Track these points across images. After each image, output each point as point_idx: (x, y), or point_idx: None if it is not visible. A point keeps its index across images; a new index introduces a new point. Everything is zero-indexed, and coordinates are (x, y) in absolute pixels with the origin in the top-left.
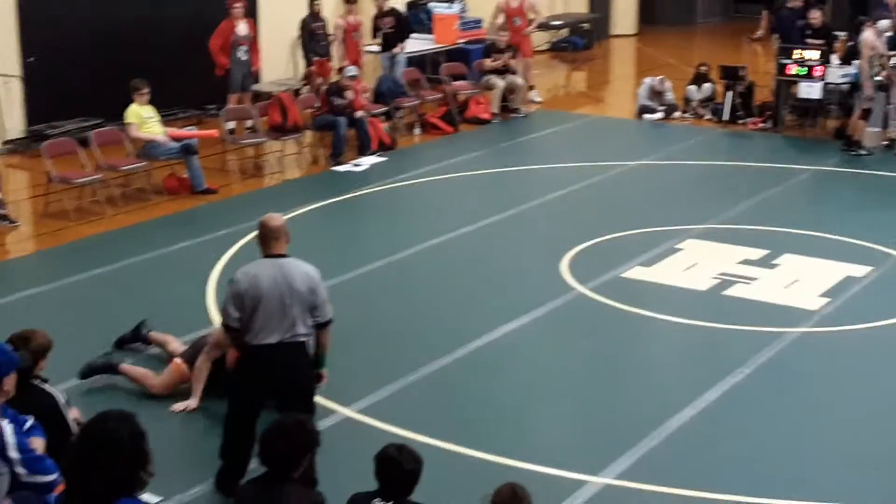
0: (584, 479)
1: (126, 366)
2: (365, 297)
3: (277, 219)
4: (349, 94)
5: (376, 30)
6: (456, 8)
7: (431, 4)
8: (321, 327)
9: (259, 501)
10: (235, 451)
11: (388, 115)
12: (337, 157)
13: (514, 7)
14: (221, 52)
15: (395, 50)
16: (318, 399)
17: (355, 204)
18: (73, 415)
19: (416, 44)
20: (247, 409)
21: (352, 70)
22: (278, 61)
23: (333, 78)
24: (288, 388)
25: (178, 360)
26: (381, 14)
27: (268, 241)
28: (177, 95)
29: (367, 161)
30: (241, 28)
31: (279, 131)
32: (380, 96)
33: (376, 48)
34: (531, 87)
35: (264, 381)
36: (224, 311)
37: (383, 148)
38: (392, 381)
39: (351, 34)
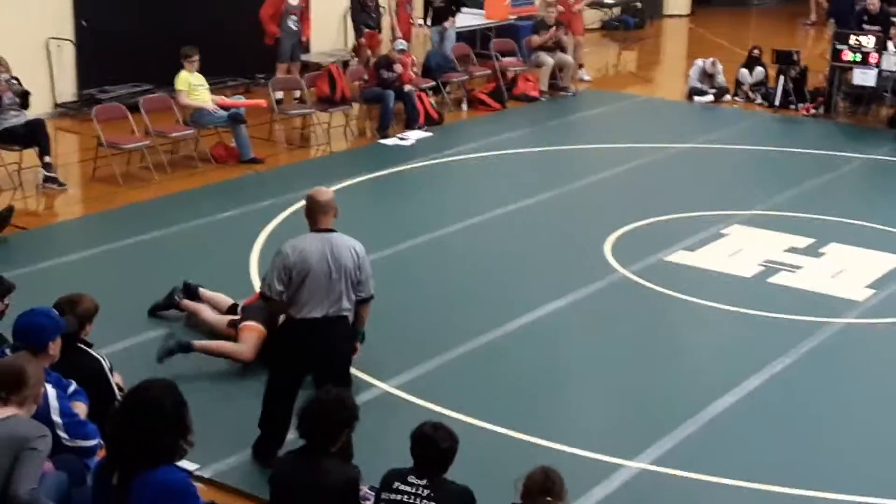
0: (619, 463)
1: (200, 343)
2: (406, 272)
3: (326, 193)
4: (398, 68)
5: (428, 3)
6: None
7: None
8: (363, 303)
9: (297, 474)
10: (274, 422)
11: (436, 90)
12: (384, 131)
13: None
14: (272, 20)
15: (446, 24)
16: (357, 373)
17: (400, 178)
18: (116, 380)
19: (467, 19)
20: (287, 381)
21: (401, 44)
22: (328, 32)
23: (384, 50)
24: (329, 362)
25: (252, 324)
26: None
27: (315, 216)
28: (227, 63)
29: (413, 135)
30: None
31: (327, 103)
32: (428, 70)
33: (427, 21)
34: (581, 66)
35: (307, 353)
36: (268, 283)
37: (430, 122)
38: (430, 358)
39: (403, 6)
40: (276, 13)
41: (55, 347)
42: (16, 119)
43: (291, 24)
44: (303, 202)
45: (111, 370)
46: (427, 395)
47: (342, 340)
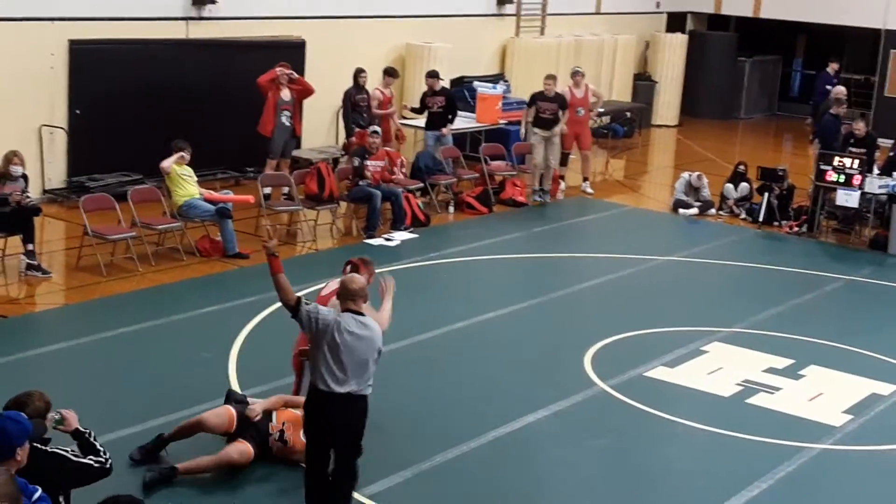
0: None
1: (185, 464)
2: (386, 376)
3: (360, 280)
4: (372, 166)
5: (424, 108)
6: (500, 88)
7: (476, 83)
8: None
9: None
10: (314, 498)
11: (424, 191)
12: (370, 231)
13: (578, 97)
14: (266, 110)
15: (444, 131)
16: None
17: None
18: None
19: (457, 121)
20: (316, 454)
21: (375, 126)
22: (320, 129)
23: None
24: (347, 437)
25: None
26: (433, 93)
27: (352, 298)
28: (217, 156)
29: (399, 236)
30: (285, 94)
31: (315, 200)
32: (417, 171)
33: (417, 123)
34: (585, 179)
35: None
36: (309, 308)
37: (417, 224)
38: (407, 467)
39: (386, 107)
40: (270, 107)
41: (23, 453)
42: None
43: (284, 119)
44: None
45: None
46: None
47: (361, 417)
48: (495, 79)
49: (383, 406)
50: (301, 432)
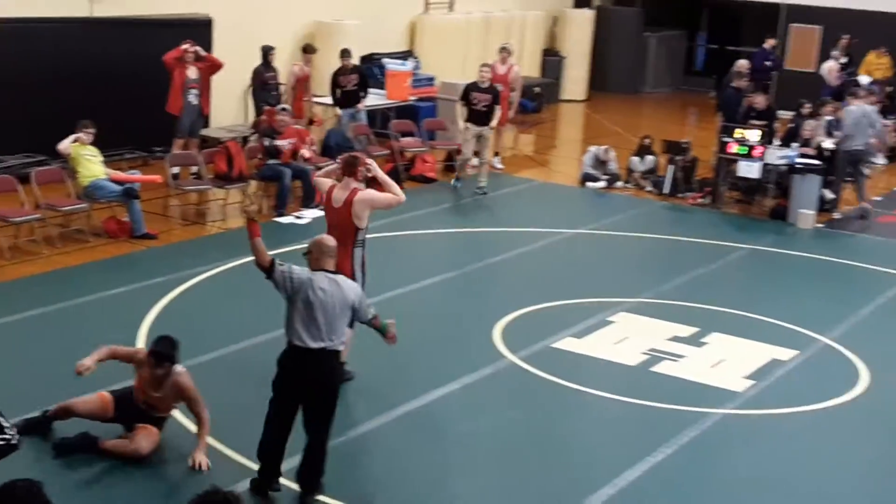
0: None
1: (109, 443)
2: None
3: (332, 240)
4: (282, 145)
5: (337, 86)
6: (409, 65)
7: (385, 60)
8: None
9: None
10: (268, 450)
11: None
12: (280, 209)
13: (500, 74)
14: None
15: (360, 106)
16: (239, 458)
17: (294, 257)
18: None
19: (367, 98)
20: (283, 408)
21: (284, 105)
22: (229, 108)
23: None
24: (321, 393)
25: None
26: (346, 71)
27: (322, 258)
28: (123, 136)
29: (309, 214)
30: (192, 72)
31: (224, 179)
32: (327, 150)
33: (328, 100)
34: (495, 154)
35: (302, 382)
36: (284, 268)
37: None
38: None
39: (303, 84)
40: (178, 85)
41: None
42: None
43: (192, 98)
44: (197, 279)
45: None
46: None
47: (333, 373)
48: (405, 56)
49: None
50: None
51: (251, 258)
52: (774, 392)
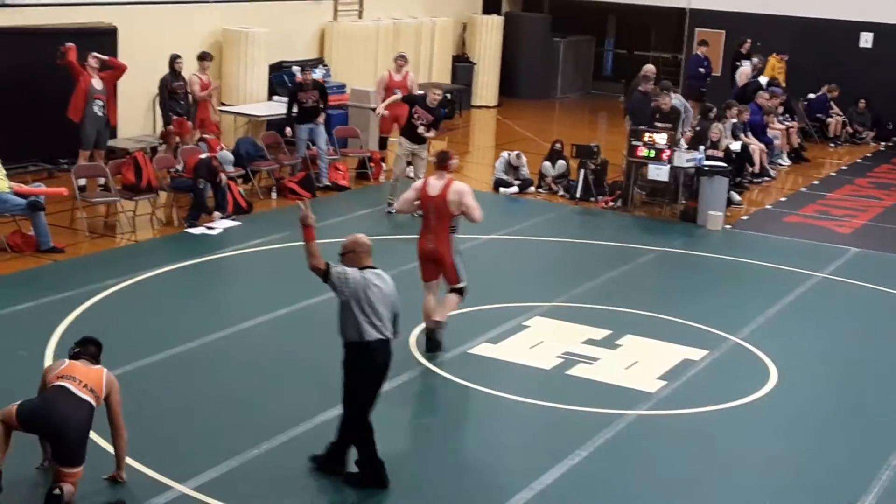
0: None
1: None
2: (209, 366)
3: (366, 238)
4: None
5: (295, 103)
6: (319, 73)
7: (295, 68)
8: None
9: None
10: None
11: (245, 178)
12: (193, 220)
13: (396, 81)
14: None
15: (320, 120)
16: (150, 473)
17: (207, 268)
18: None
19: (277, 107)
20: (369, 395)
21: (228, 155)
22: (136, 118)
23: (194, 137)
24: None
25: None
26: (306, 88)
27: (363, 257)
28: (27, 148)
29: (221, 224)
30: (97, 82)
31: (132, 190)
32: (238, 158)
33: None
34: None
35: (384, 368)
36: (338, 270)
37: (239, 211)
38: (232, 457)
39: (203, 91)
40: (85, 86)
41: None
42: None
43: (97, 109)
44: (106, 292)
45: None
46: (225, 496)
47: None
48: (315, 63)
49: (209, 394)
50: None
51: (162, 270)
52: (686, 392)
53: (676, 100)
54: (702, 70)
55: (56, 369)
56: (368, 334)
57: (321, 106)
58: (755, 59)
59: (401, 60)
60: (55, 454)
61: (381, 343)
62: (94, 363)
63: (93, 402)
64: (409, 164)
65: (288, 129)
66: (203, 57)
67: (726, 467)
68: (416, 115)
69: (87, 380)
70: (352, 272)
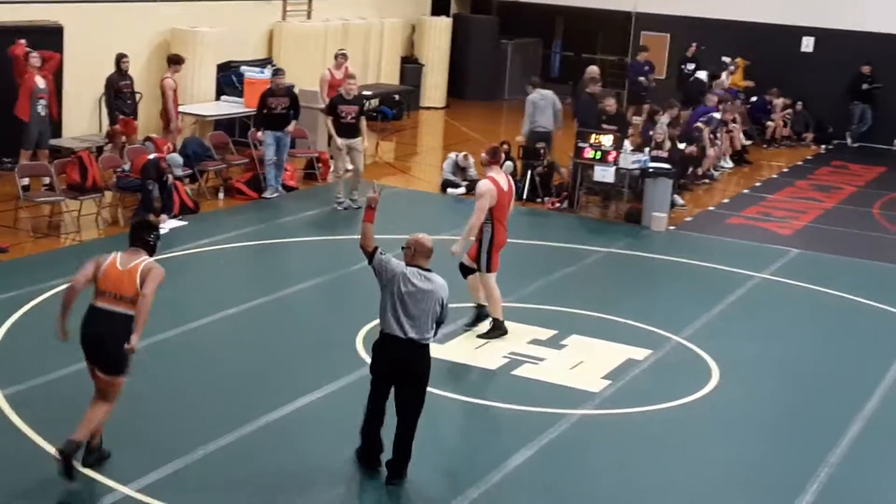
0: None
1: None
2: (154, 368)
3: (430, 240)
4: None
5: (266, 108)
6: (267, 73)
7: (243, 68)
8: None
9: None
10: (366, 432)
11: (192, 178)
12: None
13: (337, 79)
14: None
15: (289, 129)
16: (96, 476)
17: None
18: None
19: (226, 107)
20: (378, 390)
21: (178, 158)
22: (81, 117)
23: (139, 136)
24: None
25: None
26: (278, 93)
27: (418, 257)
28: None
29: (168, 224)
30: (40, 81)
31: (77, 190)
32: (185, 158)
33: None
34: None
35: (392, 370)
36: (382, 254)
37: (186, 211)
38: (177, 457)
39: (176, 94)
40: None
41: None
42: None
43: (40, 108)
44: (51, 293)
45: None
46: (171, 499)
47: (421, 364)
48: (263, 63)
49: (155, 395)
50: None
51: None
52: (630, 391)
53: None
54: (642, 80)
55: (100, 271)
56: (389, 327)
57: (290, 113)
58: (727, 60)
59: (341, 58)
60: (98, 363)
61: (395, 339)
62: (145, 251)
63: (125, 309)
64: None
65: (259, 133)
66: (174, 60)
67: (669, 466)
68: (342, 113)
69: (117, 289)
70: (395, 263)
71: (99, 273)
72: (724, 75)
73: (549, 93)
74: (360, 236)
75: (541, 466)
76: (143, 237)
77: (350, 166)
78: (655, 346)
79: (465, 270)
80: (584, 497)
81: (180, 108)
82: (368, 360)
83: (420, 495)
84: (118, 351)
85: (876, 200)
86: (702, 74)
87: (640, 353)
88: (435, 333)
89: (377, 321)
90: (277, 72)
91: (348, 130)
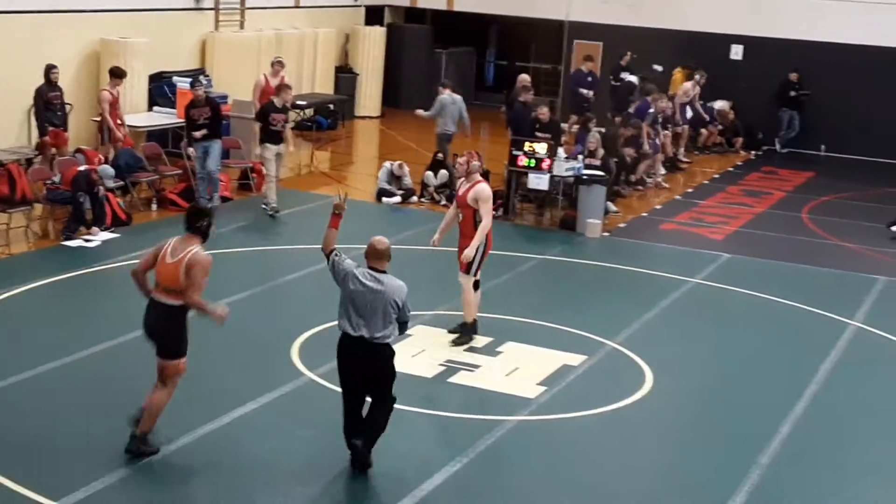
0: None
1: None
2: (90, 379)
3: (384, 242)
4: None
5: (190, 120)
6: (204, 83)
7: (176, 78)
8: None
9: None
10: (345, 422)
11: (124, 190)
12: (71, 233)
13: (273, 86)
14: None
15: (196, 134)
16: (27, 493)
17: (84, 282)
18: None
19: (158, 118)
20: (344, 388)
21: (109, 170)
22: (10, 129)
23: (70, 148)
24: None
25: None
26: (198, 104)
27: (370, 259)
28: None
29: (100, 236)
30: None
31: (6, 203)
32: (117, 170)
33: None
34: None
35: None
36: (336, 258)
37: (118, 223)
38: (112, 470)
39: (115, 107)
40: None
41: None
42: None
43: None
44: None
45: None
46: None
47: (375, 362)
48: (196, 74)
49: (82, 412)
50: None
51: (37, 283)
52: (565, 397)
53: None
54: (583, 91)
55: (157, 258)
56: (342, 325)
57: (217, 123)
58: (658, 68)
59: (277, 65)
60: (156, 350)
61: (347, 337)
62: (197, 237)
63: (172, 301)
64: None
65: (191, 150)
66: (115, 73)
67: (604, 470)
68: (273, 121)
69: (165, 281)
70: (348, 263)
71: (156, 263)
72: (689, 84)
73: (459, 97)
74: (323, 239)
75: (477, 474)
76: (193, 223)
77: (273, 174)
78: (590, 352)
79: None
80: (520, 502)
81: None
82: (305, 370)
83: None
84: (168, 338)
85: (804, 205)
86: (632, 77)
87: (575, 359)
88: (401, 332)
89: (313, 331)
90: (194, 83)
91: (278, 137)
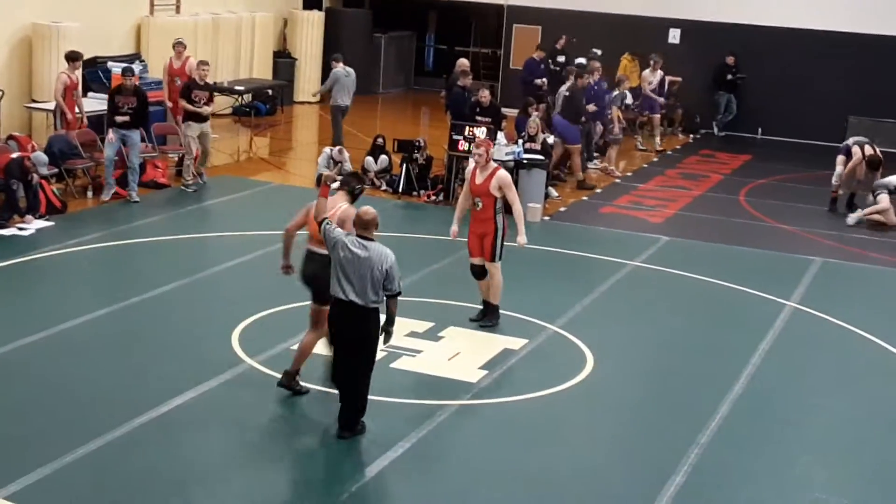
0: None
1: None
2: (24, 371)
3: (371, 213)
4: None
5: (114, 106)
6: (136, 68)
7: (110, 63)
8: (392, 297)
9: None
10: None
11: (59, 177)
12: (4, 221)
13: (175, 68)
14: None
15: (117, 118)
16: None
17: (19, 270)
18: None
19: (94, 104)
20: (336, 352)
21: (42, 156)
22: None
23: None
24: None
25: None
26: (125, 92)
27: (356, 226)
28: None
29: (34, 225)
30: None
31: None
32: (51, 157)
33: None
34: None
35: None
36: (331, 228)
37: (52, 211)
38: (46, 462)
39: (71, 92)
40: None
41: None
42: None
43: None
44: None
45: None
46: None
47: (362, 327)
48: (131, 58)
49: (21, 399)
50: None
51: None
52: (507, 380)
53: None
54: (537, 81)
55: (309, 217)
56: (334, 290)
57: (142, 114)
58: (597, 52)
59: (180, 47)
60: (312, 297)
61: (339, 302)
62: (349, 197)
63: (325, 251)
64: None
65: (110, 135)
66: (72, 57)
67: (547, 453)
68: (196, 98)
69: (316, 233)
70: (338, 232)
71: (308, 220)
72: (647, 71)
73: (352, 71)
74: (315, 208)
75: (418, 458)
76: (349, 183)
77: (199, 148)
78: (531, 336)
79: (479, 272)
80: (463, 486)
81: (44, 106)
82: (245, 357)
83: (298, 490)
84: (324, 285)
85: (742, 188)
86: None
87: (516, 343)
88: (393, 305)
89: (253, 318)
90: (127, 70)
91: (201, 116)
